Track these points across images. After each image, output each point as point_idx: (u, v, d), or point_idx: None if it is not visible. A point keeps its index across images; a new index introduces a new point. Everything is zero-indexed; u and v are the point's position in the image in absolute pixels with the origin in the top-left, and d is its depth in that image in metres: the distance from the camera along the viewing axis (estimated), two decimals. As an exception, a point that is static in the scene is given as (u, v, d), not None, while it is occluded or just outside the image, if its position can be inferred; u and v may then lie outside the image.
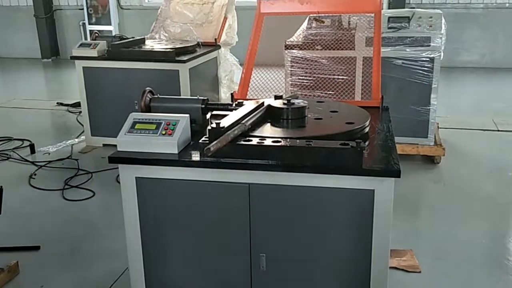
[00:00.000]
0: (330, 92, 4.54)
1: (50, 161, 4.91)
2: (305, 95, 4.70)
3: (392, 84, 4.46)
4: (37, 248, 3.35)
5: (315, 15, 4.31)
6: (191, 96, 4.95)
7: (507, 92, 7.37)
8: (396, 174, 1.92)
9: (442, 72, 4.49)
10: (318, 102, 2.68)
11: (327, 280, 2.14)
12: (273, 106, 2.37)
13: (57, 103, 7.11)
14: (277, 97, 2.54)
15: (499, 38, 8.96)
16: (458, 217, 3.74)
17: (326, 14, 4.39)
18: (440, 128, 5.35)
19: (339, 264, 2.11)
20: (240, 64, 5.66)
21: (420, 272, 3.02)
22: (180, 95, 4.91)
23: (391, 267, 2.92)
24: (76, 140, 5.53)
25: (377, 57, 2.89)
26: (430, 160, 4.68)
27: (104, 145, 5.22)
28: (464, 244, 3.36)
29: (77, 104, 6.42)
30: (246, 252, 2.14)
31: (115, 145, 2.16)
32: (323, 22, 4.35)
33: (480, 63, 9.00)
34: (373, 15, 3.13)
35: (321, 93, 4.59)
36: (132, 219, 2.20)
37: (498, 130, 5.62)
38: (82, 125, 5.47)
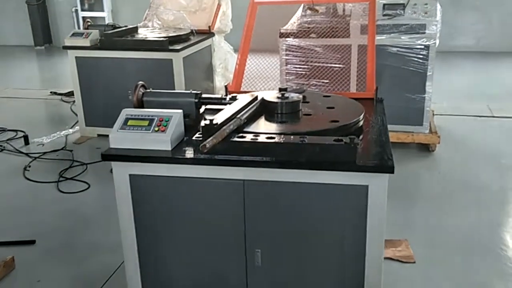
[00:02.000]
0: (325, 81, 4.53)
1: (44, 153, 4.89)
2: (301, 83, 4.69)
3: (387, 72, 4.43)
4: (32, 242, 3.34)
5: (309, 4, 4.26)
6: (185, 84, 4.94)
7: (502, 77, 7.35)
8: (390, 170, 1.92)
9: (438, 56, 4.47)
10: (313, 94, 2.65)
11: (322, 275, 2.15)
12: (267, 101, 2.36)
13: (51, 92, 7.05)
14: (281, 89, 2.48)
15: (494, 22, 8.91)
16: (453, 205, 3.75)
17: (321, 3, 4.35)
18: (435, 115, 5.35)
19: (334, 259, 2.12)
20: (235, 51, 5.63)
21: (414, 262, 3.04)
22: (174, 84, 4.88)
23: (386, 258, 2.94)
24: (71, 130, 5.50)
25: (372, 48, 2.87)
26: (425, 148, 4.69)
27: (99, 135, 5.19)
28: (458, 233, 3.37)
29: (71, 93, 6.35)
30: (241, 248, 2.15)
31: None
32: (317, 11, 4.31)
33: (475, 47, 8.96)
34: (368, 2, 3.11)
35: (317, 81, 4.58)
36: (127, 216, 2.19)
37: (493, 116, 5.62)
38: (76, 115, 5.43)
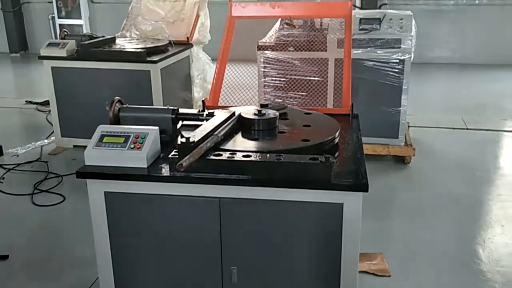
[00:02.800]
0: (303, 94, 4.57)
1: (18, 164, 4.81)
2: (278, 96, 4.73)
3: (363, 86, 4.50)
4: (5, 257, 3.28)
5: (286, 19, 4.30)
6: (163, 96, 4.92)
7: (476, 89, 7.51)
8: (364, 188, 1.94)
9: (414, 68, 4.55)
10: (293, 110, 2.66)
11: (298, 291, 2.16)
12: (244, 117, 2.37)
13: (26, 101, 6.95)
14: (263, 106, 2.51)
15: (468, 34, 9.11)
16: (427, 218, 3.81)
17: (298, 19, 4.40)
18: (411, 126, 5.43)
19: (310, 276, 2.13)
20: (213, 60, 5.62)
21: (389, 276, 3.07)
22: (152, 96, 4.87)
23: (361, 271, 2.97)
24: (46, 141, 5.42)
25: (348, 65, 2.91)
26: (401, 160, 4.75)
27: (75, 146, 5.13)
28: (433, 246, 3.43)
29: (47, 103, 6.27)
30: (217, 265, 2.15)
31: (86, 146, 2.13)
32: (294, 26, 4.35)
33: (451, 59, 9.14)
34: (345, 16, 3.15)
35: (294, 94, 4.62)
36: (102, 233, 2.18)
37: (467, 129, 5.73)
38: (52, 125, 5.36)
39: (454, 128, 5.74)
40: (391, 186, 4.40)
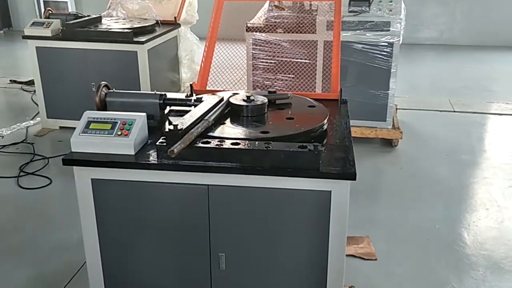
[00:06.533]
0: (292, 76, 4.56)
1: (3, 146, 4.75)
2: (267, 78, 4.70)
3: (352, 68, 4.50)
4: (-9, 241, 3.27)
5: (275, 2, 4.25)
6: (150, 77, 4.87)
7: (463, 70, 7.53)
8: (352, 176, 1.95)
9: (402, 49, 4.53)
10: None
11: (286, 277, 2.18)
12: (233, 103, 2.35)
13: (10, 80, 6.84)
14: (271, 92, 2.51)
15: (457, 15, 9.10)
16: (414, 201, 3.85)
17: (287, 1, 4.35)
18: (399, 109, 5.45)
19: (297, 262, 2.15)
20: (201, 39, 5.55)
21: (376, 259, 3.11)
22: (139, 77, 4.81)
23: (348, 255, 3.00)
24: (32, 122, 5.35)
25: (337, 48, 2.88)
26: (389, 143, 4.78)
27: (61, 127, 5.08)
28: (418, 229, 3.47)
29: (32, 82, 6.17)
30: (205, 251, 2.15)
31: (73, 128, 2.11)
32: (283, 9, 4.30)
33: (439, 40, 9.14)
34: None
35: (283, 76, 4.60)
36: (89, 220, 2.16)
37: (454, 111, 5.76)
38: (38, 105, 5.29)
39: (441, 111, 5.77)
40: (379, 168, 4.43)
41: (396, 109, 5.26)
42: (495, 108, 5.88)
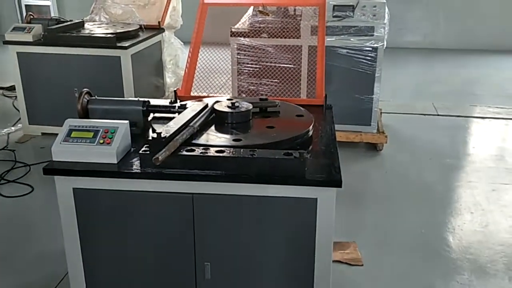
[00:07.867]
0: (276, 81, 4.55)
1: (-16, 153, 4.67)
2: (252, 83, 4.69)
3: (336, 73, 4.49)
4: (-29, 251, 3.20)
5: (260, 7, 4.25)
6: (134, 82, 4.82)
7: (447, 74, 7.59)
8: (338, 184, 1.94)
9: (385, 53, 4.55)
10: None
11: (273, 286, 2.16)
12: (217, 110, 2.33)
13: (-9, 85, 6.73)
14: (262, 100, 2.51)
15: (440, 19, 9.18)
16: (399, 205, 3.86)
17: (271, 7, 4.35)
18: (383, 113, 5.47)
19: (284, 270, 2.13)
20: (186, 44, 5.51)
21: (362, 265, 3.10)
22: (122, 82, 4.76)
23: (334, 261, 2.99)
24: (13, 128, 5.26)
25: (321, 53, 2.88)
26: (373, 147, 4.79)
27: (43, 133, 5.00)
28: (404, 233, 3.48)
29: (13, 88, 6.06)
30: (190, 261, 2.12)
31: (55, 134, 2.07)
32: (267, 14, 4.29)
33: (422, 44, 9.21)
34: (319, 3, 3.11)
35: (268, 81, 4.59)
36: (71, 230, 2.12)
37: (438, 115, 5.80)
38: (19, 111, 5.20)
39: (425, 114, 5.81)
40: (364, 173, 4.43)
41: (381, 113, 5.28)
42: (479, 111, 5.94)
